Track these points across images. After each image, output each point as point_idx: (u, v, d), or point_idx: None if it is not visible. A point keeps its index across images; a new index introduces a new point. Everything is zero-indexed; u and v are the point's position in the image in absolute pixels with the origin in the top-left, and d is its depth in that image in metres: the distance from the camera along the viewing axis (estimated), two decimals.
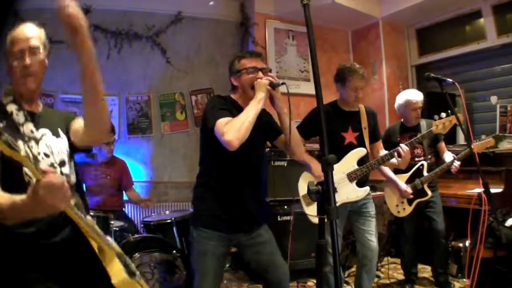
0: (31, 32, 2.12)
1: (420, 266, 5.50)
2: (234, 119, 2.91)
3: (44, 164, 2.01)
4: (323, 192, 1.80)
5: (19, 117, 2.07)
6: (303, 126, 4.28)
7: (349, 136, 4.17)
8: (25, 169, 1.97)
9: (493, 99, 6.12)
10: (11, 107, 2.08)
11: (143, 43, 6.88)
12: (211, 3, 6.63)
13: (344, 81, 4.11)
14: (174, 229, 4.77)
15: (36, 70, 2.10)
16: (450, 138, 5.89)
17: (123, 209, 5.63)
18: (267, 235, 3.34)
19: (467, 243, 4.64)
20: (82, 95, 2.11)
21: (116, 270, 1.97)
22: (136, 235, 4.48)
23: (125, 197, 5.59)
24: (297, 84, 7.28)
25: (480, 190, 3.66)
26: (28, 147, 2.01)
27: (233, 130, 2.82)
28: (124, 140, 6.74)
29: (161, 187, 6.91)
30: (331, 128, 4.10)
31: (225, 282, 5.53)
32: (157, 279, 4.23)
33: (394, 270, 5.72)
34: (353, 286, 4.78)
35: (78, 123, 2.37)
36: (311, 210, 3.98)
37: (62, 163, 2.15)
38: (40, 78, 2.16)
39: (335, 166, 3.96)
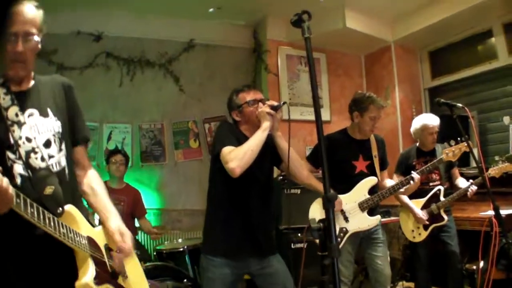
0: (28, 15, 2.03)
1: None
2: (238, 148, 2.97)
3: (24, 149, 1.98)
4: (325, 229, 1.77)
5: (6, 101, 2.01)
6: (313, 154, 4.37)
7: (360, 165, 4.16)
8: (8, 153, 1.95)
9: (506, 119, 6.04)
10: None
11: (156, 71, 6.91)
12: (211, 9, 6.61)
13: (363, 109, 4.10)
14: (187, 257, 4.75)
15: (27, 57, 2.04)
16: (463, 160, 5.82)
17: (136, 236, 5.61)
18: (279, 265, 3.33)
19: (481, 265, 4.57)
20: None
21: (82, 273, 1.94)
22: (148, 263, 4.47)
23: (136, 224, 5.57)
24: (310, 110, 7.23)
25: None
26: (10, 131, 1.97)
27: (236, 158, 2.91)
28: (137, 168, 6.72)
29: (174, 214, 6.85)
30: (341, 157, 4.13)
31: None
32: None
33: None
34: None
35: (80, 155, 2.41)
36: None
37: (47, 144, 2.09)
38: (31, 64, 2.11)
39: (346, 195, 4.00)
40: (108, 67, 6.60)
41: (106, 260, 2.18)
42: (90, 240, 2.09)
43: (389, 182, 4.30)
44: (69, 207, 2.04)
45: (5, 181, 1.60)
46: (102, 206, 2.33)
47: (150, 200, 6.45)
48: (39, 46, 2.11)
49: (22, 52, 2.00)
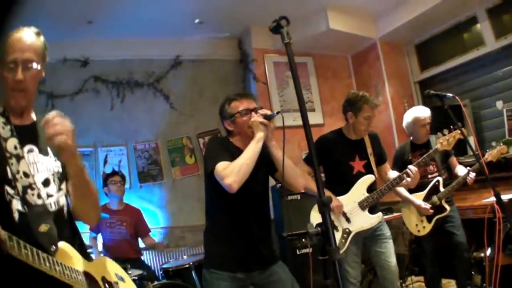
0: (27, 41, 2.00)
1: (445, 280, 5.43)
2: (233, 162, 2.91)
3: (21, 184, 1.93)
4: (323, 233, 1.76)
5: (5, 131, 1.96)
6: (309, 157, 4.29)
7: (357, 165, 4.14)
8: (7, 188, 1.90)
9: (499, 104, 6.06)
10: None
11: (145, 91, 6.91)
12: (197, 20, 6.59)
13: (357, 110, 4.08)
14: (193, 273, 4.72)
15: (27, 85, 2.00)
16: (461, 149, 5.82)
17: (141, 257, 5.60)
18: (283, 273, 3.29)
19: (488, 252, 4.56)
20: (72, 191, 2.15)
21: None
22: (155, 282, 4.46)
23: (141, 244, 5.58)
24: None
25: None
26: (8, 164, 1.91)
27: (232, 173, 2.85)
28: (136, 189, 6.70)
29: (177, 231, 6.82)
30: (338, 157, 4.11)
31: None
32: None
33: None
34: None
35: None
36: None
37: (45, 182, 2.04)
38: (32, 93, 2.06)
39: (345, 196, 3.97)
40: (97, 91, 6.60)
41: None
42: (87, 275, 2.07)
43: (392, 174, 4.30)
44: (62, 244, 2.00)
45: None
46: None
47: (152, 220, 6.43)
48: (41, 73, 2.09)
49: (21, 81, 1.96)
